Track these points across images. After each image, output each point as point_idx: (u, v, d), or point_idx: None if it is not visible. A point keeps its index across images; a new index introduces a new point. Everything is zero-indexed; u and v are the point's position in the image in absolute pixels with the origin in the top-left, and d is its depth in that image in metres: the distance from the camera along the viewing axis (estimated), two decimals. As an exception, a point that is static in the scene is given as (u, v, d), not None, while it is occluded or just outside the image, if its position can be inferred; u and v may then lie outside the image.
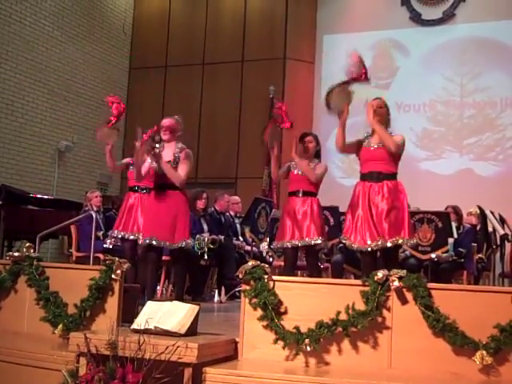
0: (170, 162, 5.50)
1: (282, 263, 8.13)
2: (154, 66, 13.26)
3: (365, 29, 12.09)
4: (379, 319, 3.65)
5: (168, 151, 5.57)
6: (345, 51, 11.99)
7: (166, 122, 5.66)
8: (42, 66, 11.27)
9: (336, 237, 6.76)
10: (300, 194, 5.82)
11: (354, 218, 5.00)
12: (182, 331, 3.67)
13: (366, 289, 3.66)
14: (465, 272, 7.14)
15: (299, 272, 7.99)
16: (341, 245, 6.94)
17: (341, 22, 12.38)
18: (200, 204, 7.73)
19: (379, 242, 4.86)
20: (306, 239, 5.70)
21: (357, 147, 5.17)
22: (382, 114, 5.08)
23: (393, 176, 5.03)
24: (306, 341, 3.63)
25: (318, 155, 6.04)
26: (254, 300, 3.81)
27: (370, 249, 4.89)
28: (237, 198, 8.83)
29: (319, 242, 5.71)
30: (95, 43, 12.53)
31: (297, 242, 5.72)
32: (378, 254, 5.05)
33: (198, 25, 13.12)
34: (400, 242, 4.93)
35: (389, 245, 4.88)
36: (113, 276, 4.22)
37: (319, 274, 6.13)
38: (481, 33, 11.40)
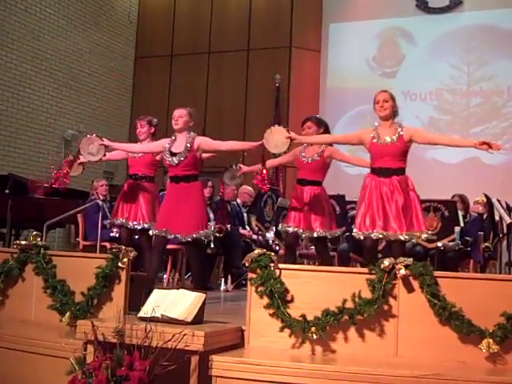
0: (180, 153, 5.48)
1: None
2: (159, 54, 13.26)
3: (371, 17, 12.05)
4: (385, 307, 3.65)
5: (179, 141, 5.56)
6: (351, 39, 12.12)
7: (176, 112, 5.64)
8: (48, 55, 11.27)
9: (342, 225, 6.74)
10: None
11: (364, 209, 4.95)
12: (189, 319, 3.68)
13: (373, 277, 3.67)
14: (471, 261, 7.13)
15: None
16: (347, 233, 6.93)
17: (347, 10, 12.33)
18: (206, 192, 7.70)
19: (392, 234, 4.81)
20: None
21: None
22: (389, 107, 5.02)
23: (401, 171, 5.00)
24: (313, 329, 3.64)
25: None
26: (261, 288, 3.82)
27: (374, 237, 4.85)
28: (250, 188, 8.75)
29: None
30: (101, 32, 12.51)
31: None
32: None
33: (203, 13, 13.09)
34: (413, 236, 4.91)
35: (402, 238, 4.84)
36: (119, 264, 4.24)
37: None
38: (488, 20, 11.34)
